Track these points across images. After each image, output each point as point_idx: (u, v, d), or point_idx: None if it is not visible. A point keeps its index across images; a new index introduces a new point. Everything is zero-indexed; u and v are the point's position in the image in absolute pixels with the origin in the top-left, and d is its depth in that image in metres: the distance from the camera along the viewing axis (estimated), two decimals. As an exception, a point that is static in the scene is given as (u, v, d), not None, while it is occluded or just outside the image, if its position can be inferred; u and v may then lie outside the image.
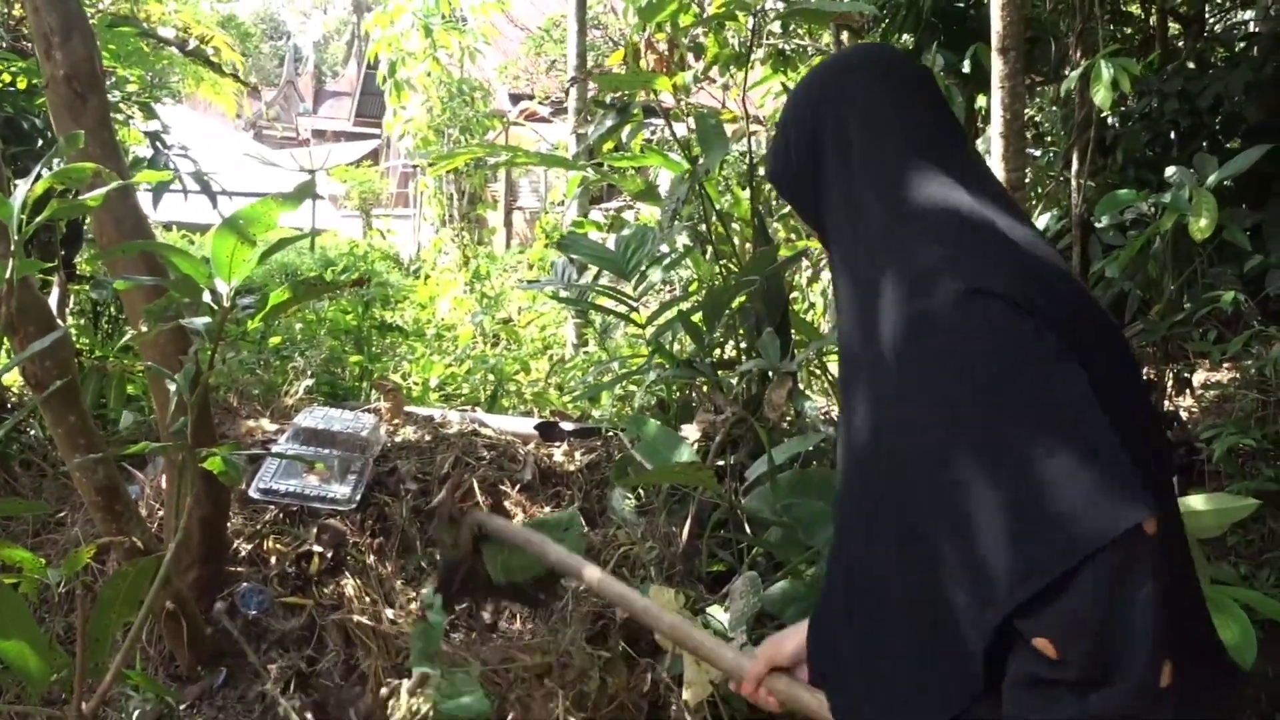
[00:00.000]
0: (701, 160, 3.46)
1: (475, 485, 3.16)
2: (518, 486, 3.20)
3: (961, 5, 5.80)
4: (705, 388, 3.21)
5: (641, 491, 3.07)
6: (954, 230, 1.12)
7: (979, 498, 0.99)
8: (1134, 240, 3.64)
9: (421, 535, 2.95)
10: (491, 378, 4.48)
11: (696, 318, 3.23)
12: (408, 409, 3.77)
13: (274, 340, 4.07)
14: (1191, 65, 6.60)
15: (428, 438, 3.48)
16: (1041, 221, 3.31)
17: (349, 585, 2.75)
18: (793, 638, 1.36)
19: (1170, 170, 3.46)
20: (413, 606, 2.76)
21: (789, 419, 3.15)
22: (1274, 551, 3.29)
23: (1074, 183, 4.02)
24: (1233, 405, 3.87)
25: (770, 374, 3.01)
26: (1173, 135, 6.49)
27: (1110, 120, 6.75)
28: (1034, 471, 0.96)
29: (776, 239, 4.79)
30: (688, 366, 3.10)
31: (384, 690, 2.44)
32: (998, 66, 4.38)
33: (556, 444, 3.54)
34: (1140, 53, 6.44)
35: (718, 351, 3.60)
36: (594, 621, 2.63)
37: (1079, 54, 3.87)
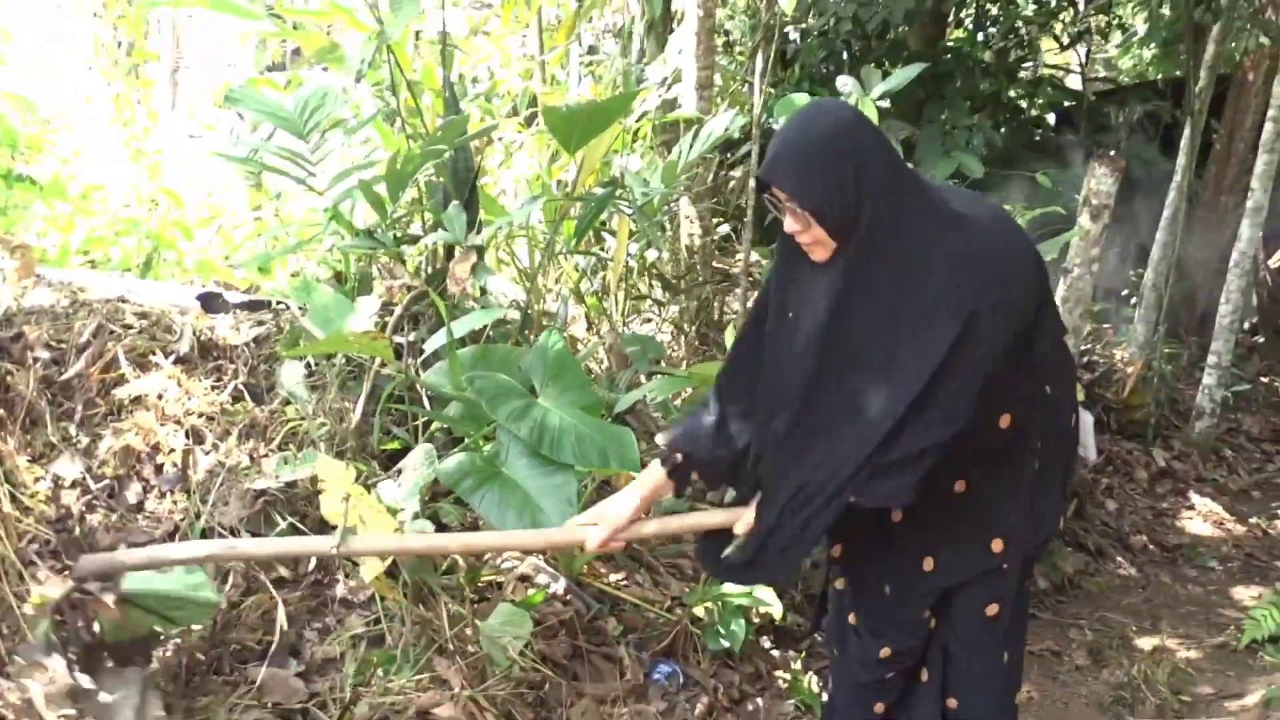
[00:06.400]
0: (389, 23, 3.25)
1: (121, 355, 2.86)
2: (173, 358, 2.92)
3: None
4: (386, 259, 3.07)
5: (315, 364, 2.91)
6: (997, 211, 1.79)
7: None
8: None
9: (52, 407, 2.63)
10: (148, 243, 4.03)
11: (380, 187, 3.06)
12: (41, 271, 3.32)
13: None
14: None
15: (65, 302, 3.09)
16: (724, 120, 3.43)
17: (-41, 465, 2.40)
18: (609, 506, 1.89)
19: (841, 80, 3.68)
20: (40, 486, 2.47)
21: (473, 296, 3.10)
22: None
23: (757, 86, 4.19)
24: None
25: (456, 249, 2.94)
26: (845, 55, 6.97)
27: (792, 35, 7.12)
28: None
29: (470, 117, 4.64)
30: (368, 237, 2.94)
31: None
32: (693, -35, 4.46)
33: (220, 315, 3.27)
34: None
35: (402, 226, 3.45)
36: (255, 499, 2.48)
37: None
